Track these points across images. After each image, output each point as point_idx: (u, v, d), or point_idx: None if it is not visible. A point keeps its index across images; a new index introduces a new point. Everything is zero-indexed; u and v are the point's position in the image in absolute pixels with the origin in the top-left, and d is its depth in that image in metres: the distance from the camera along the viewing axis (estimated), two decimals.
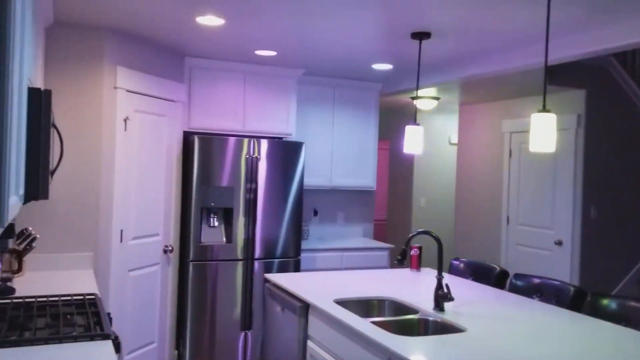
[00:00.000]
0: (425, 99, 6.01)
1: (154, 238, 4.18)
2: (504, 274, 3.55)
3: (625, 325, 2.62)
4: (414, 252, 3.90)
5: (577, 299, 2.99)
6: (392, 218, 8.11)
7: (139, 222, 4.01)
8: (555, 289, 3.11)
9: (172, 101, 4.36)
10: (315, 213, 5.52)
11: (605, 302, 2.80)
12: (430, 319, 2.70)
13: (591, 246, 5.15)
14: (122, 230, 3.83)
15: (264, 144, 4.55)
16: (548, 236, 5.43)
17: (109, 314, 2.63)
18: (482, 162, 6.38)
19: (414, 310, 2.84)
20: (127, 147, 3.86)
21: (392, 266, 5.44)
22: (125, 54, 3.83)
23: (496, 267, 3.61)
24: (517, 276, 3.39)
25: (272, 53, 4.28)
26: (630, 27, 3.16)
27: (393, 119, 8.07)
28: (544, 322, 2.62)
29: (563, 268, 5.23)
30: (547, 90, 5.28)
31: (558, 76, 4.87)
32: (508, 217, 5.94)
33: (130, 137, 3.89)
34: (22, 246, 3.11)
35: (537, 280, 3.25)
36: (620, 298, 2.77)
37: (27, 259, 3.42)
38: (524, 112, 5.75)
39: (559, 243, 5.28)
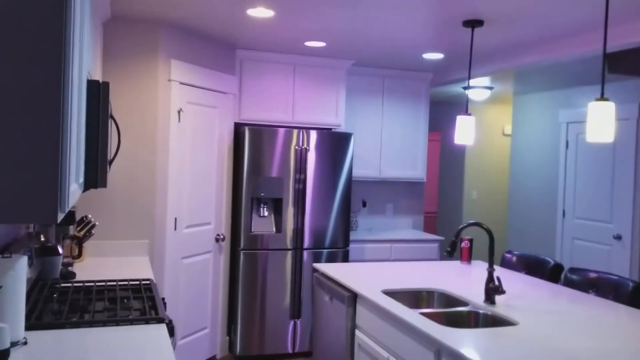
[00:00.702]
0: (478, 89, 5.88)
1: (206, 227, 4.29)
2: (558, 267, 3.46)
3: None
4: (464, 244, 3.84)
5: (636, 294, 2.87)
6: (442, 210, 8.00)
7: (192, 211, 4.12)
8: (613, 283, 3.01)
9: (224, 93, 4.43)
10: (364, 204, 5.52)
11: None
12: (481, 311, 2.66)
13: None
14: (176, 219, 3.94)
15: (313, 135, 4.58)
16: (607, 230, 5.23)
17: (163, 298, 2.72)
18: (537, 154, 6.20)
19: (464, 303, 2.81)
20: (180, 137, 3.96)
21: (442, 258, 5.38)
22: (178, 47, 3.93)
23: (550, 260, 3.51)
24: (572, 270, 3.29)
25: (322, 44, 4.29)
26: None
27: (444, 110, 7.95)
28: (599, 317, 2.54)
29: (622, 263, 5.03)
30: (606, 79, 5.07)
31: (617, 64, 4.66)
32: (564, 211, 5.76)
33: (183, 128, 3.99)
34: (82, 233, 3.25)
35: (593, 275, 3.15)
36: None
37: (87, 245, 3.57)
38: (581, 101, 5.55)
39: (618, 237, 5.09)
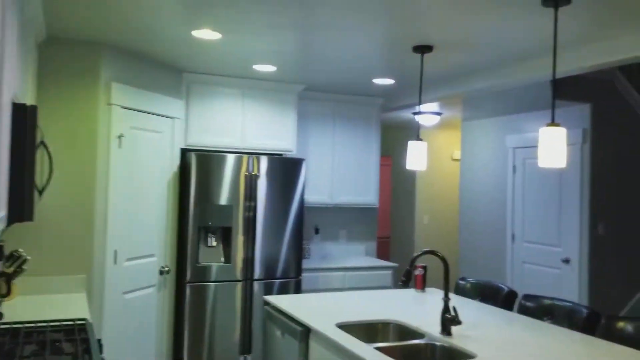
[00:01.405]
0: (428, 114, 5.92)
1: (149, 259, 4.06)
2: (512, 294, 3.42)
3: None
4: (418, 271, 3.77)
5: (590, 322, 2.85)
6: (395, 235, 7.98)
7: (134, 243, 3.89)
8: (568, 310, 2.98)
9: (169, 117, 4.26)
10: (317, 231, 5.40)
11: (620, 324, 2.67)
12: (438, 344, 2.56)
13: (599, 264, 5.01)
14: (116, 251, 3.71)
15: (264, 160, 4.45)
16: (555, 254, 5.29)
17: (99, 340, 2.50)
18: (485, 179, 6.26)
19: (419, 335, 2.71)
20: (122, 165, 3.75)
21: (397, 286, 5.31)
22: (121, 70, 3.75)
23: (504, 287, 3.47)
24: (527, 297, 3.26)
25: (272, 68, 4.19)
26: (636, 40, 3.06)
27: (395, 135, 7.99)
28: (555, 346, 2.49)
29: (571, 286, 5.08)
30: (549, 106, 5.17)
31: (563, 90, 4.77)
32: (513, 235, 5.81)
33: (125, 154, 3.78)
34: (11, 269, 2.98)
35: (547, 302, 3.12)
36: (636, 320, 2.64)
37: (18, 282, 3.29)
38: (527, 126, 5.65)
39: (567, 261, 5.15)
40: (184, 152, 4.42)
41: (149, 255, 4.05)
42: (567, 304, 3.02)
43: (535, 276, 5.49)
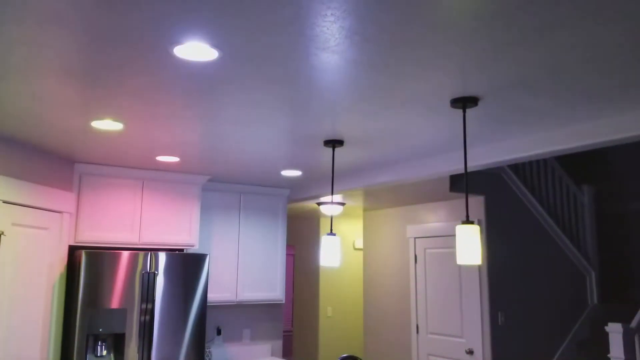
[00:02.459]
0: (332, 204, 5.92)
1: None
2: None
3: None
4: None
5: None
6: (298, 328, 7.68)
7: (13, 354, 3.34)
8: None
9: (57, 212, 3.86)
10: (219, 332, 5.02)
11: None
12: None
13: (501, 354, 5.07)
14: None
15: (162, 257, 4.12)
16: (459, 345, 5.30)
17: None
18: (388, 268, 6.28)
19: None
20: (1, 266, 3.28)
21: None
22: (4, 160, 3.37)
23: None
24: None
25: (175, 159, 3.99)
26: (530, 140, 3.27)
27: (298, 224, 7.90)
28: None
29: None
30: (449, 197, 5.39)
31: (459, 183, 4.98)
32: (417, 326, 5.78)
33: (4, 255, 3.32)
34: None
35: None
36: None
37: None
38: (427, 217, 5.81)
39: (470, 352, 5.16)
40: (73, 250, 3.99)
41: None
42: None
43: None
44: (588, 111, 2.76)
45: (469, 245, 2.56)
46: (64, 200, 3.90)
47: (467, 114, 2.84)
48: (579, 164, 7.43)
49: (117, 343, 3.90)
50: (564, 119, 2.90)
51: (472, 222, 2.60)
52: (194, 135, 3.32)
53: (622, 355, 4.48)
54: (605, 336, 5.30)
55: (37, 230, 3.65)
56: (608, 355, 4.50)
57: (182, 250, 4.53)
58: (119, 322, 3.87)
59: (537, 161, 6.13)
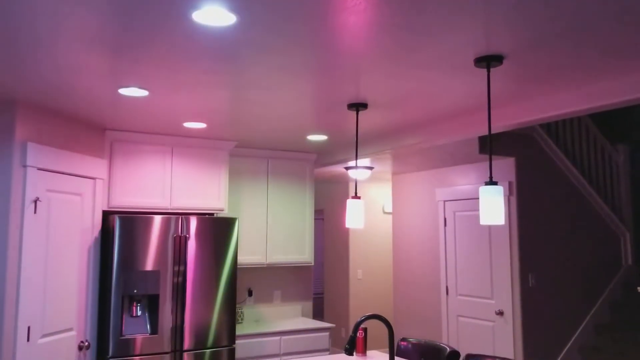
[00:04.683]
0: (360, 169, 5.92)
1: (67, 334, 3.68)
2: (455, 354, 3.34)
3: None
4: (358, 334, 3.62)
5: None
6: (329, 291, 7.82)
7: (50, 317, 3.52)
8: None
9: (91, 178, 3.98)
10: (250, 293, 5.16)
11: None
12: None
13: (531, 315, 5.07)
14: (29, 327, 3.33)
15: (194, 221, 4.23)
16: (489, 306, 5.32)
17: None
18: (417, 231, 6.29)
19: None
20: (37, 231, 3.42)
21: (334, 348, 5.12)
22: (37, 129, 3.48)
23: (446, 347, 3.39)
24: (470, 357, 3.18)
25: (202, 125, 4.05)
26: (556, 99, 3.19)
27: (326, 189, 7.95)
28: None
29: (506, 338, 5.09)
30: (477, 159, 5.32)
31: (486, 145, 4.91)
32: (447, 288, 5.81)
33: (41, 219, 3.46)
34: None
35: None
36: None
37: None
38: (456, 180, 5.77)
39: (500, 313, 5.18)
40: (107, 215, 4.13)
41: (66, 330, 3.67)
42: None
43: (471, 329, 5.48)
44: (619, 67, 2.67)
45: (493, 206, 2.55)
46: (96, 166, 4.02)
47: (492, 73, 2.79)
48: (615, 123, 7.22)
49: (152, 304, 4.05)
50: (592, 76, 2.81)
51: (495, 183, 2.58)
52: (219, 102, 3.35)
53: None
54: (638, 298, 5.23)
55: (71, 196, 3.78)
56: None
57: (212, 214, 4.63)
58: (153, 284, 4.01)
59: (571, 121, 5.98)
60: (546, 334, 5.16)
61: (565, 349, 5.31)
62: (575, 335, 5.40)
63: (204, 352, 4.16)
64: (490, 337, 5.25)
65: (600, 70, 2.73)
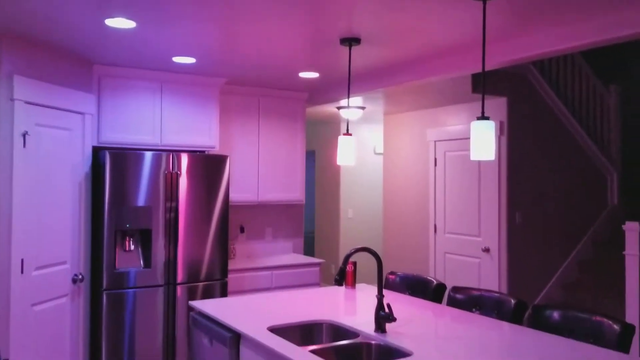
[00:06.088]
0: (352, 108, 5.90)
1: (61, 266, 3.74)
2: (441, 287, 3.44)
3: (569, 336, 2.55)
4: (348, 267, 3.71)
5: (517, 312, 2.91)
6: (320, 229, 7.94)
7: (43, 250, 3.57)
8: (495, 301, 3.02)
9: (80, 113, 3.95)
10: (242, 230, 5.23)
11: (546, 313, 2.73)
12: (373, 342, 2.51)
13: (517, 252, 5.20)
14: (22, 260, 3.38)
15: (184, 158, 4.23)
16: (476, 243, 5.44)
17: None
18: (407, 171, 6.34)
19: (354, 334, 2.64)
20: (27, 165, 3.42)
21: (324, 283, 5.26)
22: (24, 62, 3.41)
23: (433, 280, 3.49)
24: (456, 289, 3.28)
25: (191, 60, 3.98)
26: (551, 35, 3.15)
27: (317, 129, 7.94)
28: (488, 337, 2.50)
29: (491, 275, 5.24)
30: (469, 99, 5.30)
31: (480, 84, 4.88)
32: (435, 226, 5.92)
33: (30, 153, 3.45)
34: None
35: (476, 293, 3.15)
36: (561, 308, 2.71)
37: None
38: (447, 120, 5.77)
39: (487, 250, 5.30)
40: (97, 151, 4.11)
41: (60, 263, 3.73)
42: (495, 294, 3.07)
43: (457, 265, 5.63)
44: (614, 2, 2.63)
45: (484, 141, 2.57)
46: (84, 101, 3.97)
47: (488, 6, 2.74)
48: (608, 64, 7.17)
49: (145, 239, 4.11)
50: (588, 11, 2.77)
51: (487, 118, 2.59)
52: (209, 36, 3.29)
53: (637, 252, 4.55)
54: (622, 236, 5.36)
55: (60, 130, 3.75)
56: (623, 253, 4.58)
57: (203, 152, 4.63)
58: (146, 219, 4.05)
59: (565, 60, 5.93)
60: (530, 270, 5.32)
61: (549, 285, 5.48)
62: (559, 271, 5.56)
63: (197, 285, 4.26)
64: (475, 273, 5.40)
65: (597, 5, 2.69)
